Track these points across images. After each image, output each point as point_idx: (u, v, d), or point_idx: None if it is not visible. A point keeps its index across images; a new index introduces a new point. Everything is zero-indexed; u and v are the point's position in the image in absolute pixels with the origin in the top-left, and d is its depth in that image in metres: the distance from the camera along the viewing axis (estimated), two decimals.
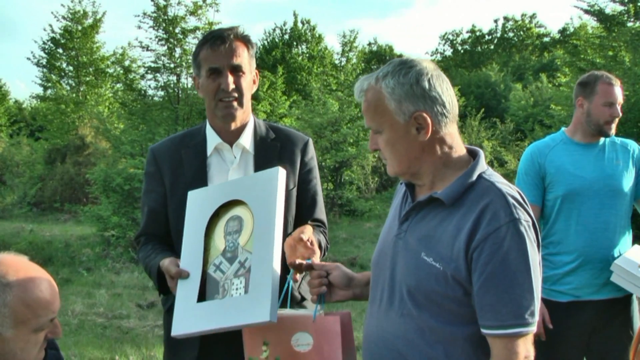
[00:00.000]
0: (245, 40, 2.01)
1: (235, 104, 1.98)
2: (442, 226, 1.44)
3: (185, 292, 1.73)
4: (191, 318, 1.69)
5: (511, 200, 1.40)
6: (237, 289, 1.68)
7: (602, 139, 2.80)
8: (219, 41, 1.96)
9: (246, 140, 2.07)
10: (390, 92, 1.45)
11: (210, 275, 1.74)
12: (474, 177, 1.46)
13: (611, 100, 2.72)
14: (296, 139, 2.14)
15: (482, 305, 1.39)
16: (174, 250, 2.04)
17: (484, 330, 1.39)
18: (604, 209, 2.70)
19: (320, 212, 2.16)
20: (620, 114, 2.75)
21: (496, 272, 1.37)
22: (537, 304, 1.39)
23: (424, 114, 1.44)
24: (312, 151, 2.18)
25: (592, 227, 2.70)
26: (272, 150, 2.08)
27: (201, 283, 1.73)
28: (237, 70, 1.97)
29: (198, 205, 1.84)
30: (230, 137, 2.06)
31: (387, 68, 1.49)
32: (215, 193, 1.84)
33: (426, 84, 1.44)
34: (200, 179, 2.02)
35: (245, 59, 2.00)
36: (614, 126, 2.76)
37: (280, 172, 1.77)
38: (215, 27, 11.81)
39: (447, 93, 1.48)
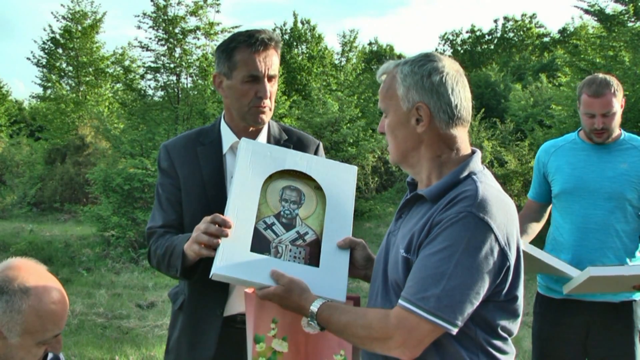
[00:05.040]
0: (278, 46, 2.01)
1: (267, 109, 2.00)
2: (421, 220, 1.46)
3: (235, 237, 1.68)
4: (240, 264, 1.65)
5: (481, 199, 1.38)
6: (295, 257, 1.69)
7: (616, 140, 2.74)
8: (261, 47, 1.93)
9: (262, 140, 2.09)
10: (402, 78, 1.49)
11: (260, 230, 1.72)
12: (462, 175, 1.46)
13: (590, 112, 2.67)
14: (308, 142, 2.17)
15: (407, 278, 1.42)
16: None
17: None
18: (598, 210, 2.67)
19: None
20: (607, 125, 2.64)
21: (425, 252, 1.39)
22: (448, 299, 1.34)
23: (425, 106, 1.46)
24: (322, 154, 2.20)
25: (583, 227, 2.70)
26: None
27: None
28: (272, 79, 1.99)
29: (256, 158, 1.81)
30: (247, 136, 2.06)
31: (410, 57, 1.53)
32: (279, 155, 1.85)
33: (436, 79, 1.46)
34: (218, 177, 2.03)
35: (278, 66, 2.01)
36: (605, 134, 2.68)
37: (355, 171, 1.92)
38: (216, 27, 11.81)
39: (459, 95, 1.48)
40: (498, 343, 1.47)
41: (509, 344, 1.52)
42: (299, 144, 2.14)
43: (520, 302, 1.50)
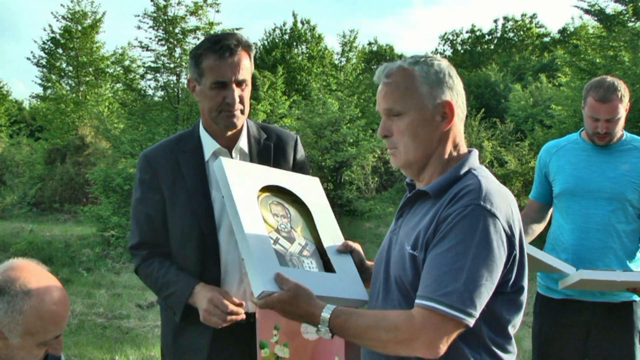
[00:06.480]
0: (249, 49, 1.99)
1: (238, 113, 1.98)
2: (426, 216, 1.48)
3: (262, 254, 1.60)
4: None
5: (485, 191, 1.41)
6: (309, 267, 1.68)
7: (618, 141, 2.74)
8: (227, 53, 1.91)
9: (244, 143, 2.08)
10: (425, 76, 1.50)
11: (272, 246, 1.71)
12: (462, 171, 1.49)
13: (595, 116, 2.66)
14: (287, 138, 2.18)
15: (421, 277, 1.41)
16: (175, 261, 2.03)
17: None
18: (599, 210, 2.68)
19: None
20: (611, 129, 2.65)
21: (438, 249, 1.39)
22: (469, 293, 1.34)
23: (452, 104, 1.51)
24: (301, 148, 2.21)
25: (584, 226, 2.70)
26: (266, 150, 2.10)
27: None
28: (241, 84, 1.97)
29: (240, 174, 1.76)
30: (228, 141, 2.06)
31: (412, 58, 1.54)
32: (257, 171, 1.83)
33: (454, 79, 1.53)
34: (202, 185, 2.01)
35: (249, 69, 1.99)
36: (607, 138, 2.68)
37: (318, 181, 1.96)
38: (216, 27, 11.80)
39: (462, 93, 1.56)
40: (501, 341, 1.48)
41: (512, 344, 1.52)
42: (279, 141, 2.15)
43: (525, 295, 1.51)
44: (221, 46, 1.91)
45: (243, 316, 1.83)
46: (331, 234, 1.79)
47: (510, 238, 1.42)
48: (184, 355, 2.03)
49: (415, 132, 1.50)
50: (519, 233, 1.46)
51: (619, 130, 2.71)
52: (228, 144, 2.06)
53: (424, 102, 1.49)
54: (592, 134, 2.72)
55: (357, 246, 1.81)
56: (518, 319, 1.51)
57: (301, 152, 2.20)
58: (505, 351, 1.49)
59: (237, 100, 1.95)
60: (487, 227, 1.37)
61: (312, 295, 1.53)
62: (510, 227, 1.42)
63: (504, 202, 1.43)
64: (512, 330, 1.51)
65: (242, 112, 2.00)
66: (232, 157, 2.06)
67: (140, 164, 2.07)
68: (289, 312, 1.53)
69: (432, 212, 1.46)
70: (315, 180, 1.95)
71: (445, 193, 1.47)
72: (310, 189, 1.88)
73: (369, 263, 1.80)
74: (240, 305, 1.84)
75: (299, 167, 2.16)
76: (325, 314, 1.46)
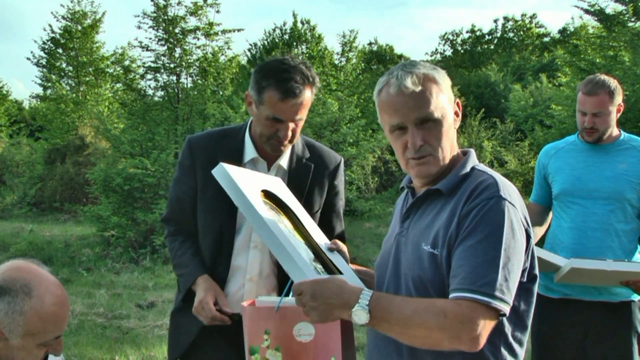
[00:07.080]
0: (313, 84, 1.98)
1: (286, 143, 2.02)
2: (440, 214, 1.49)
3: (297, 252, 1.58)
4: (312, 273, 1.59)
5: (501, 184, 1.46)
6: (320, 271, 1.66)
7: (615, 140, 2.75)
8: (291, 96, 1.91)
9: (284, 161, 2.11)
10: (442, 81, 1.53)
11: None
12: (467, 169, 1.53)
13: (583, 110, 2.71)
14: (329, 161, 2.18)
15: (452, 272, 1.41)
16: (199, 244, 2.13)
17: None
18: (597, 210, 2.68)
19: (341, 227, 2.24)
20: (598, 125, 2.67)
21: (468, 243, 1.40)
22: (506, 283, 1.35)
23: (459, 102, 1.59)
24: (342, 172, 2.22)
25: (583, 226, 2.71)
26: (305, 170, 2.12)
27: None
28: (297, 120, 1.98)
29: (243, 179, 1.72)
30: (269, 155, 2.09)
31: (422, 65, 1.53)
32: (253, 178, 1.81)
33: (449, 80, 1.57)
34: None
35: (309, 104, 2.00)
36: (595, 135, 2.70)
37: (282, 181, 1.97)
38: (216, 27, 11.80)
39: None
40: (518, 333, 1.50)
41: (526, 335, 1.52)
42: (321, 163, 2.16)
43: (537, 285, 1.54)
44: (286, 89, 1.91)
45: (228, 321, 1.95)
46: (320, 236, 1.81)
47: (527, 229, 1.47)
48: (178, 333, 2.15)
49: (448, 136, 1.52)
50: (530, 222, 1.51)
51: (608, 127, 2.71)
52: (268, 157, 2.09)
53: (449, 105, 1.53)
54: (581, 130, 2.75)
55: (343, 246, 1.82)
56: (531, 310, 1.53)
57: (341, 177, 2.21)
58: (521, 344, 1.51)
59: (290, 135, 1.99)
60: (511, 217, 1.41)
61: (346, 282, 1.48)
62: (525, 217, 1.48)
63: (516, 194, 1.49)
64: (528, 321, 1.52)
65: (291, 141, 2.03)
66: (268, 171, 2.09)
67: (183, 148, 2.15)
68: (321, 296, 1.44)
69: (449, 209, 1.47)
70: (279, 180, 1.95)
71: (458, 190, 1.48)
72: (282, 191, 1.88)
73: (352, 265, 1.80)
74: (226, 314, 1.94)
75: (334, 192, 2.19)
76: (364, 297, 1.41)
